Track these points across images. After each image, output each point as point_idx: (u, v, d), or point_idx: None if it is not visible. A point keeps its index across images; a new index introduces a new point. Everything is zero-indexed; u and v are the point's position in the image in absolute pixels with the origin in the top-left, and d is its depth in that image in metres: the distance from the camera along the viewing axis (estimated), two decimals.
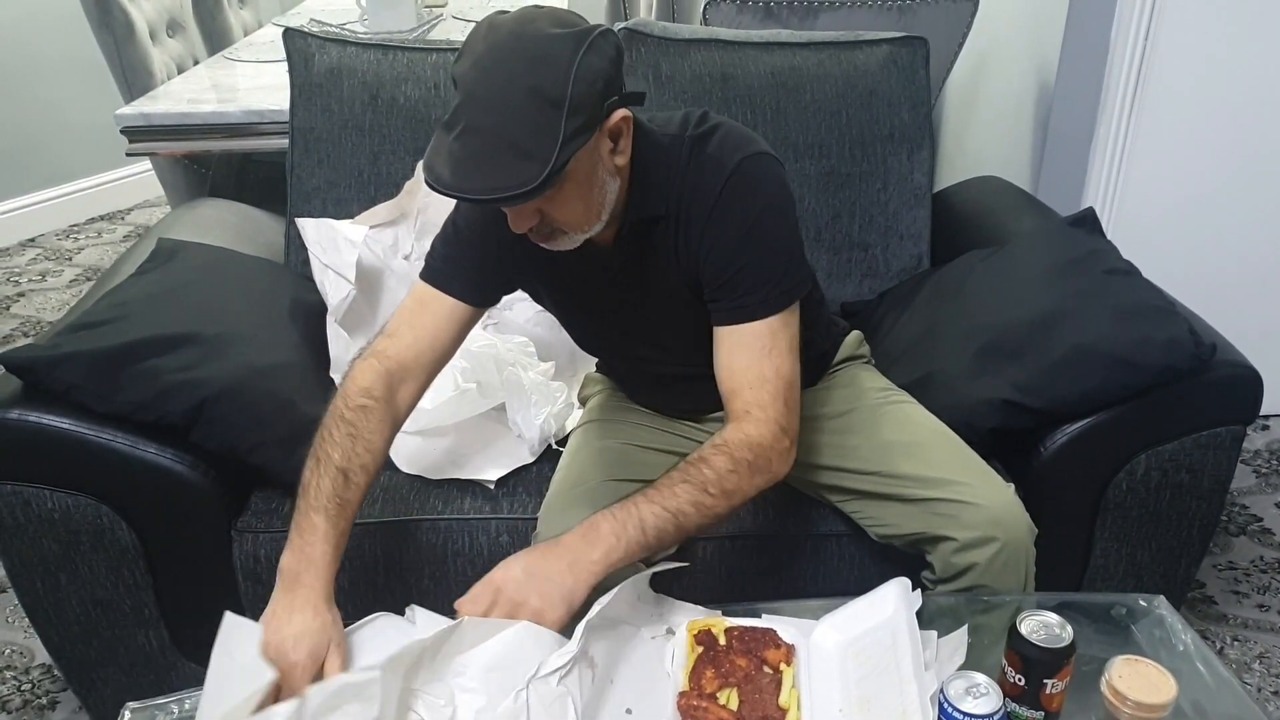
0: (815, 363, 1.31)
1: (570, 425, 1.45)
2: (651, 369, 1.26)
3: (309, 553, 0.97)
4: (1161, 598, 1.06)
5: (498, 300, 1.18)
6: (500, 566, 0.96)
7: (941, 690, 0.84)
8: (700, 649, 0.96)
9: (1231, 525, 1.91)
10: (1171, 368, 1.22)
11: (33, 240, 3.39)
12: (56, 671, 1.56)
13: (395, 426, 1.10)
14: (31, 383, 1.20)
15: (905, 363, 1.44)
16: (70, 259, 3.26)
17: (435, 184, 0.89)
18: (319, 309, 1.56)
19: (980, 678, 0.85)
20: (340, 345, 1.50)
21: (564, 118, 0.87)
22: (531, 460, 1.39)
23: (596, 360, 1.40)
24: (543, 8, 0.93)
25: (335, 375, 1.48)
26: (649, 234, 1.07)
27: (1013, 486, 1.15)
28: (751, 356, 1.04)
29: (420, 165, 1.64)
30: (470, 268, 1.12)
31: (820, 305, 1.30)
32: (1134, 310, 1.29)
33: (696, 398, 1.29)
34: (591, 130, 0.91)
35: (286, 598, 0.95)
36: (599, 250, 1.08)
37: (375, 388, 1.06)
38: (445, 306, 1.11)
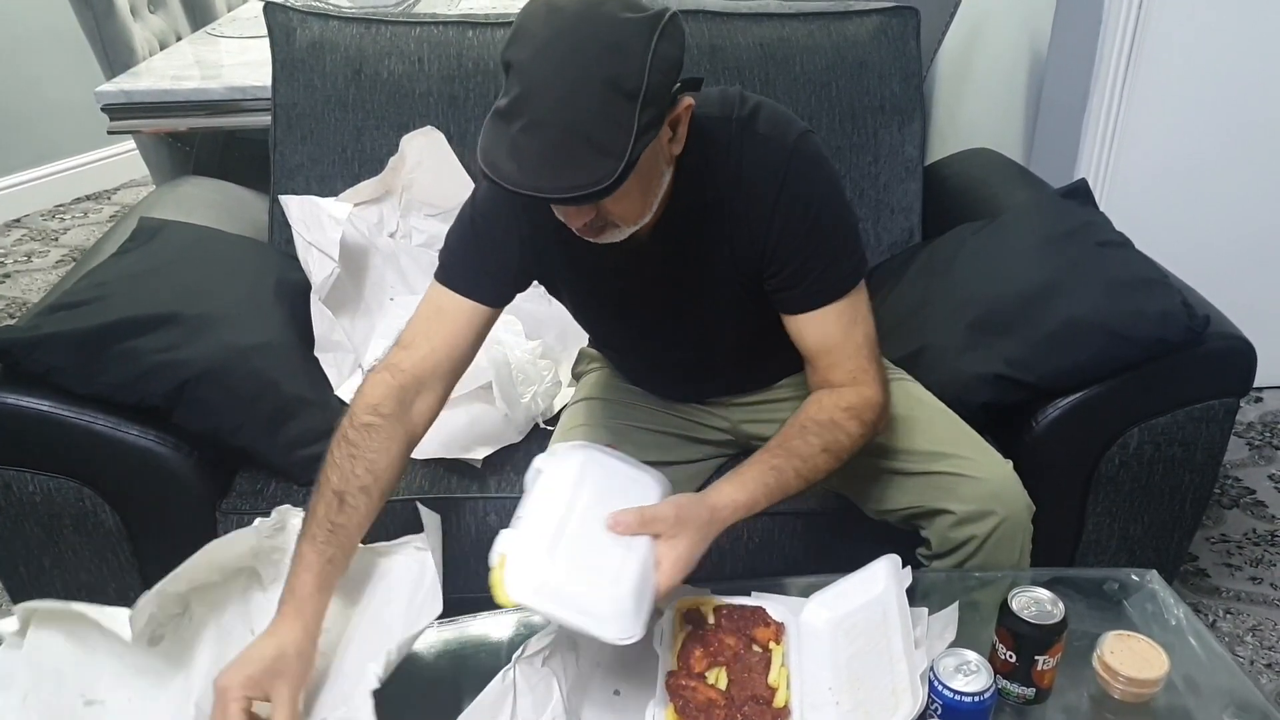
0: None
1: (559, 404, 1.44)
2: (665, 357, 1.23)
3: (292, 583, 0.92)
4: (1154, 572, 1.05)
5: (513, 298, 1.11)
6: (679, 511, 0.92)
7: (932, 668, 0.83)
8: (688, 628, 0.95)
9: (1224, 498, 1.91)
10: (1164, 340, 1.21)
11: (18, 221, 3.36)
12: None
13: (408, 442, 1.03)
14: (10, 364, 1.19)
15: (897, 337, 1.42)
16: (56, 239, 3.23)
17: (500, 180, 0.83)
18: (303, 287, 1.54)
19: (971, 655, 0.84)
20: (324, 324, 1.48)
21: (639, 110, 0.81)
22: (518, 440, 1.38)
23: (589, 336, 1.37)
24: None
25: (319, 354, 1.46)
26: (695, 221, 1.02)
27: (1011, 462, 1.14)
28: (842, 332, 1.04)
29: (404, 140, 1.63)
30: (491, 266, 1.06)
31: None
32: (1127, 283, 1.27)
33: (706, 387, 1.28)
34: (662, 121, 0.86)
35: (267, 631, 0.89)
36: (635, 240, 1.00)
37: (385, 404, 1.00)
38: (464, 311, 1.05)
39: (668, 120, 0.89)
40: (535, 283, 1.17)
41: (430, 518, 1.11)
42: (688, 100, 0.91)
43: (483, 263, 1.06)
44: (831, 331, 1.04)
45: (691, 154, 0.98)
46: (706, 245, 1.04)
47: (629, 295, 1.12)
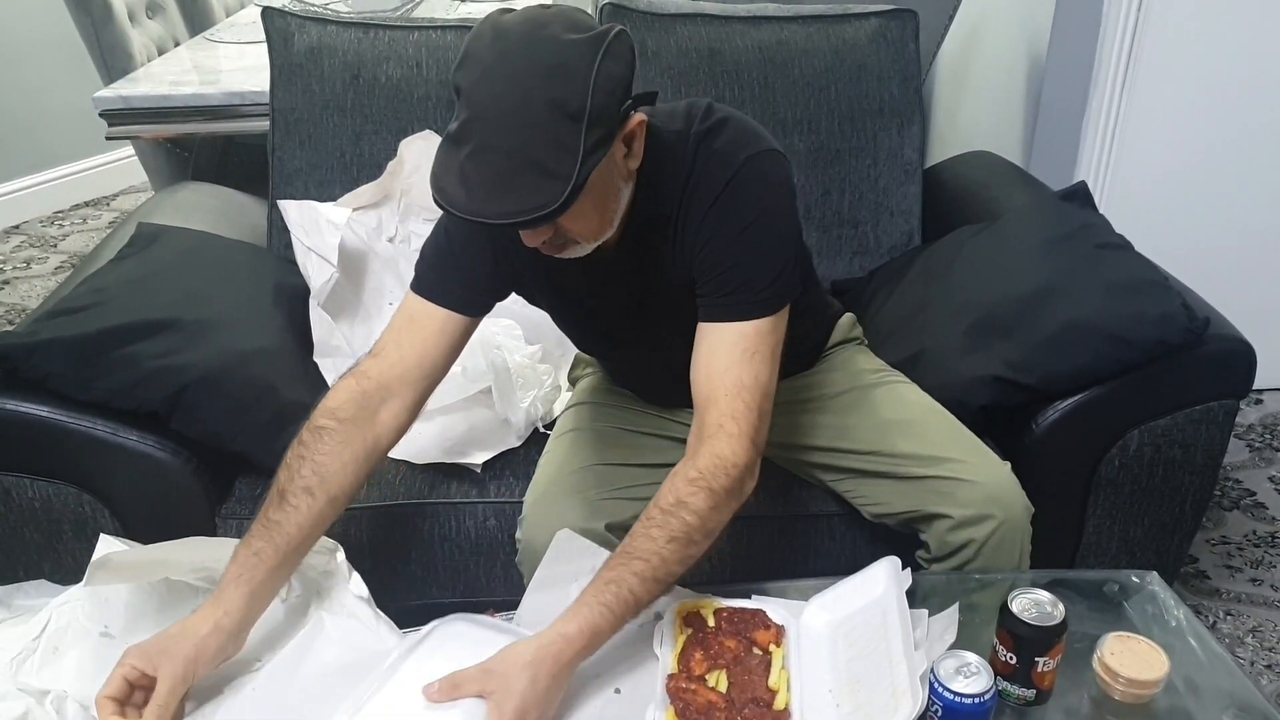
0: (810, 347, 1.29)
1: (558, 409, 1.44)
2: (648, 365, 1.23)
3: (221, 579, 0.92)
4: (1154, 574, 1.05)
5: (491, 307, 1.11)
6: (490, 679, 0.85)
7: (932, 670, 0.83)
8: (689, 631, 0.95)
9: (1224, 500, 1.90)
10: (1164, 342, 1.21)
11: (16, 227, 3.36)
12: None
13: (367, 449, 1.00)
14: (9, 370, 1.19)
15: (896, 340, 1.43)
16: (55, 246, 3.23)
17: (449, 207, 0.83)
18: (302, 292, 1.54)
19: (971, 657, 0.84)
20: (323, 329, 1.48)
21: (584, 131, 0.81)
22: (518, 444, 1.38)
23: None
24: (550, 7, 0.88)
25: (318, 359, 1.46)
26: (653, 233, 1.03)
27: (1009, 465, 1.14)
28: (731, 359, 0.98)
29: (403, 145, 1.63)
30: (463, 276, 1.05)
31: (815, 287, 1.29)
32: (1127, 285, 1.27)
33: (689, 392, 1.27)
34: (611, 140, 0.86)
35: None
36: (602, 252, 1.02)
37: (343, 409, 0.99)
38: (436, 320, 1.04)
39: (620, 138, 0.89)
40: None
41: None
42: (639, 116, 0.91)
43: (456, 273, 1.05)
44: (721, 355, 0.98)
45: (650, 167, 0.98)
46: (662, 257, 1.04)
47: (599, 306, 1.13)
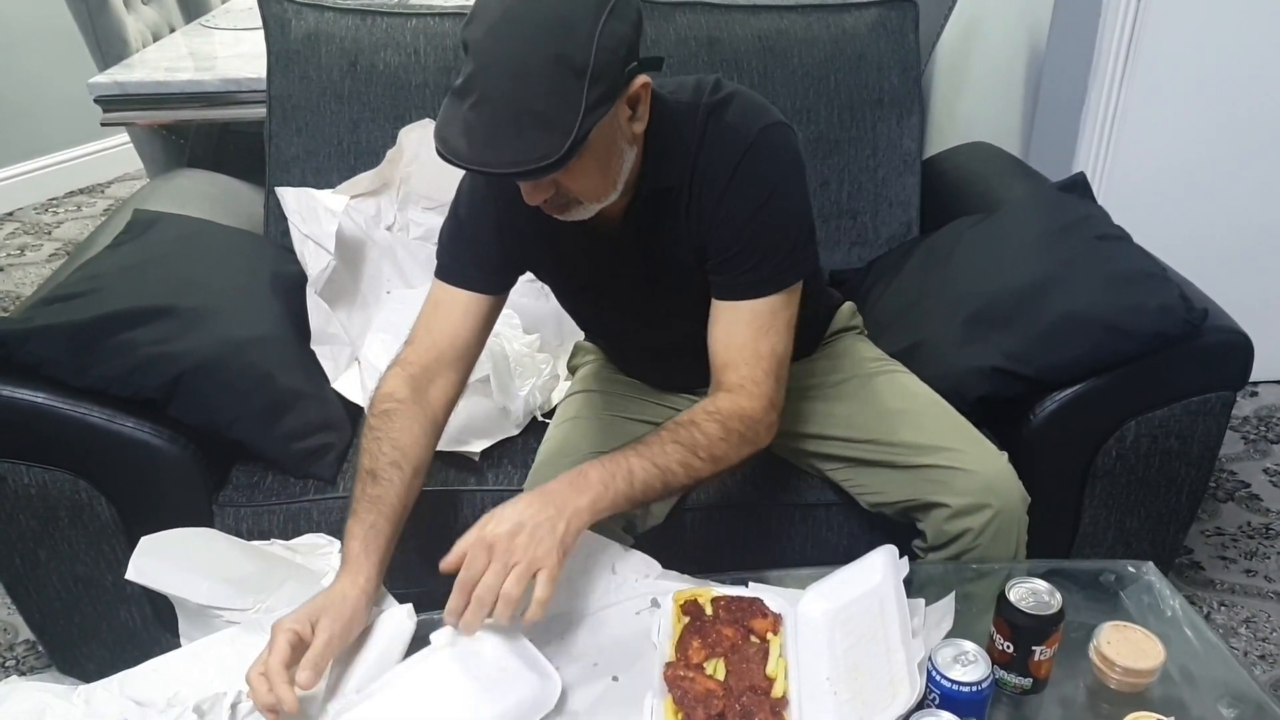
0: (810, 334, 1.29)
1: (556, 398, 1.44)
2: (651, 344, 1.23)
3: (345, 554, 0.98)
4: (1150, 564, 1.05)
5: (511, 284, 1.14)
6: (487, 520, 0.91)
7: (930, 658, 0.83)
8: (686, 619, 0.95)
9: (1220, 491, 1.91)
10: (1163, 334, 1.21)
11: (10, 214, 3.34)
12: (40, 648, 1.55)
13: (432, 424, 1.07)
14: (3, 356, 1.18)
15: (895, 331, 1.43)
16: (49, 233, 3.21)
17: (451, 156, 0.85)
18: (299, 280, 1.53)
19: (969, 645, 0.84)
20: (320, 317, 1.48)
21: (586, 86, 0.82)
22: (516, 433, 1.38)
23: (579, 326, 1.37)
24: None
25: (315, 347, 1.46)
26: (661, 205, 1.03)
27: (1005, 455, 1.14)
28: (749, 334, 1.02)
29: (402, 133, 1.62)
30: (478, 257, 1.09)
31: (816, 276, 1.28)
32: (1125, 276, 1.27)
33: (694, 373, 1.26)
34: (613, 99, 0.86)
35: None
36: (607, 224, 1.04)
37: (399, 391, 1.06)
38: (460, 302, 1.09)
39: (623, 98, 0.90)
40: (531, 276, 1.18)
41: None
42: (643, 79, 0.91)
43: (471, 253, 1.09)
44: (739, 331, 1.02)
45: (659, 139, 0.99)
46: (669, 232, 1.05)
47: (605, 281, 1.13)
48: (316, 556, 1.12)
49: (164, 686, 0.92)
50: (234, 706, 0.88)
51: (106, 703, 0.90)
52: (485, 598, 0.87)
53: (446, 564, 0.90)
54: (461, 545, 0.90)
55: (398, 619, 0.97)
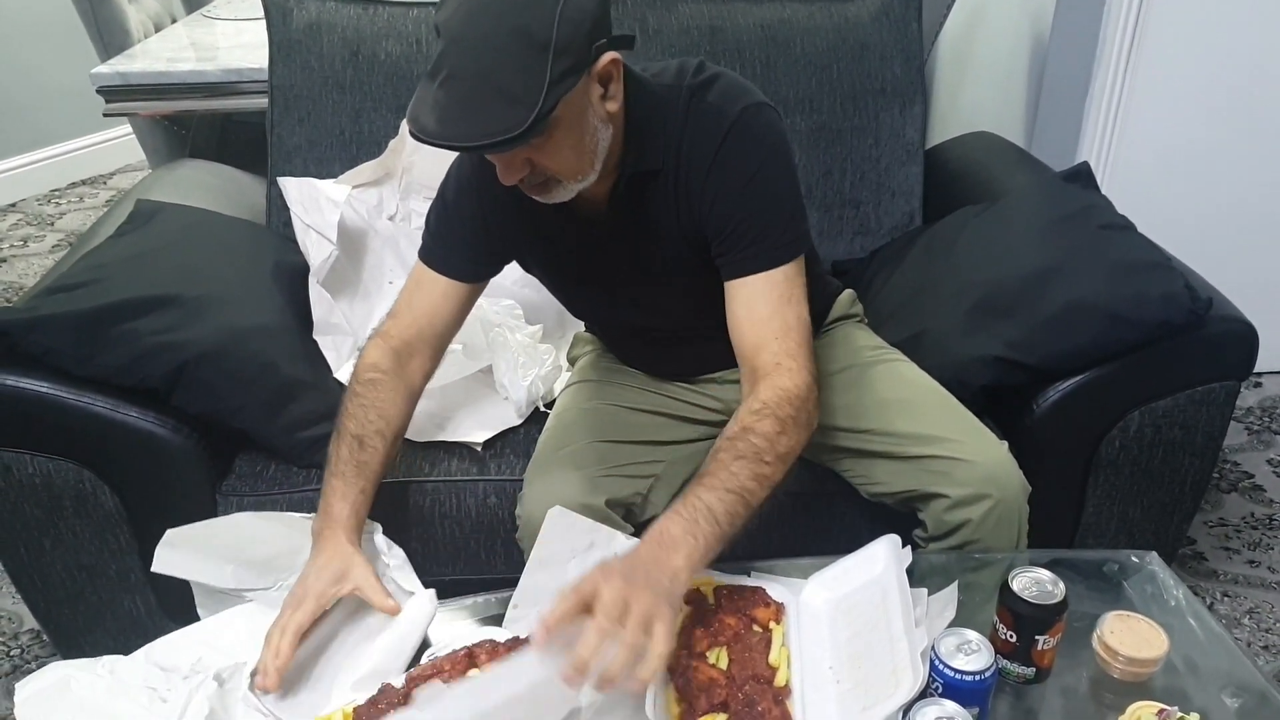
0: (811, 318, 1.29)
1: (558, 388, 1.44)
2: (644, 332, 1.24)
3: (328, 511, 1.01)
4: (1153, 554, 1.05)
5: (493, 274, 1.15)
6: (593, 575, 0.82)
7: (933, 647, 0.83)
8: (688, 608, 0.95)
9: (1223, 482, 1.91)
10: (1167, 323, 1.20)
11: (13, 205, 3.34)
12: (45, 637, 1.56)
13: (411, 396, 1.12)
14: (8, 345, 1.18)
15: (897, 321, 1.42)
16: (52, 224, 3.21)
17: (420, 133, 0.86)
18: (302, 270, 1.53)
19: (972, 634, 0.84)
20: (323, 307, 1.47)
21: (550, 60, 0.84)
22: (519, 423, 1.38)
23: (571, 314, 1.38)
24: None
25: (318, 337, 1.46)
26: (645, 189, 1.04)
27: (1006, 444, 1.14)
28: (773, 305, 1.01)
29: (405, 123, 1.61)
30: (461, 244, 1.11)
31: (814, 263, 1.28)
32: (1129, 265, 1.27)
33: (688, 360, 1.27)
34: (579, 73, 0.87)
35: (313, 557, 0.98)
36: (593, 208, 1.05)
37: (382, 362, 1.10)
38: (439, 286, 1.11)
39: (592, 75, 0.90)
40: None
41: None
42: (612, 55, 0.92)
43: (454, 240, 1.11)
44: (760, 305, 1.01)
45: (640, 121, 1.00)
46: (655, 215, 1.05)
47: (591, 268, 1.14)
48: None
49: (188, 654, 0.94)
50: (253, 675, 0.90)
51: (131, 671, 0.91)
52: (615, 674, 0.77)
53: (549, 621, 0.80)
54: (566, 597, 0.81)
55: (420, 604, 0.98)
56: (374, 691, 0.87)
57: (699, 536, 0.87)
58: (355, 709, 0.86)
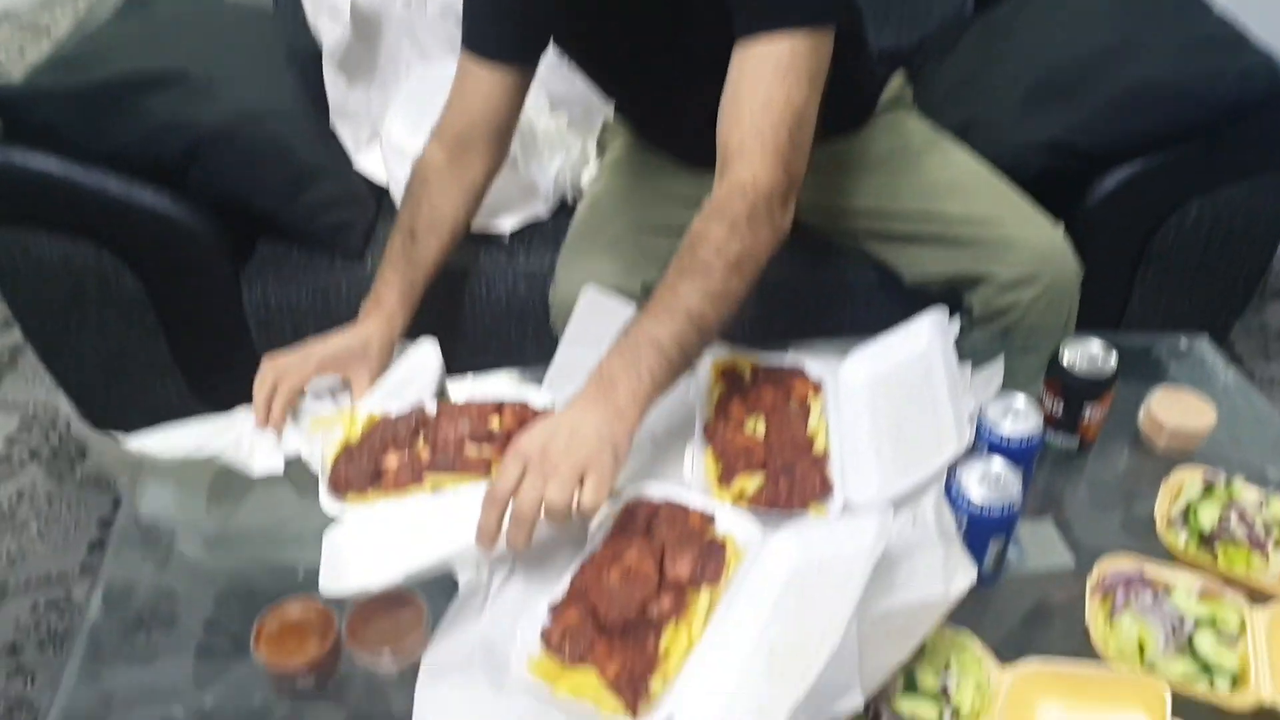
0: (856, 106, 1.21)
1: (586, 179, 1.38)
2: (673, 107, 1.16)
3: (377, 298, 1.01)
4: (1205, 337, 1.02)
5: (535, 53, 1.08)
6: (520, 440, 0.75)
7: (980, 411, 0.80)
8: (724, 384, 0.93)
9: (1267, 289, 1.85)
10: (1242, 102, 1.12)
11: (5, 15, 3.18)
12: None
13: (469, 191, 1.09)
14: (10, 120, 1.13)
15: (947, 108, 1.34)
16: (49, 33, 3.07)
17: None
18: (315, 57, 1.45)
19: (1021, 398, 0.80)
20: (339, 91, 1.41)
21: None
22: (546, 213, 1.33)
23: (614, 107, 1.30)
24: None
25: (335, 122, 1.40)
26: None
27: (1062, 225, 1.08)
28: (760, 76, 0.87)
29: None
30: (499, 15, 1.05)
31: (864, 45, 1.19)
32: (1202, 42, 1.18)
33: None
34: None
35: (346, 328, 0.98)
36: None
37: (436, 160, 1.07)
38: (485, 72, 1.06)
39: None
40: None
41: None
42: None
43: (495, 16, 1.04)
44: (749, 73, 0.88)
45: None
46: None
47: (623, 37, 1.05)
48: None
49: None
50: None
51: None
52: (526, 511, 0.71)
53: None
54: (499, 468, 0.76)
55: (424, 351, 0.99)
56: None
57: (642, 370, 0.78)
58: (382, 417, 0.89)
